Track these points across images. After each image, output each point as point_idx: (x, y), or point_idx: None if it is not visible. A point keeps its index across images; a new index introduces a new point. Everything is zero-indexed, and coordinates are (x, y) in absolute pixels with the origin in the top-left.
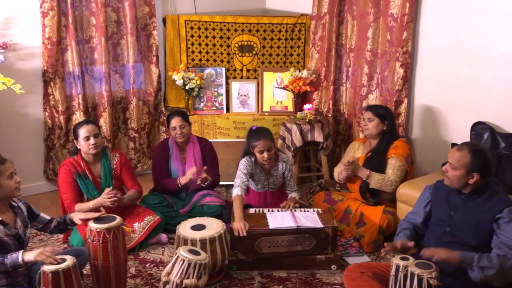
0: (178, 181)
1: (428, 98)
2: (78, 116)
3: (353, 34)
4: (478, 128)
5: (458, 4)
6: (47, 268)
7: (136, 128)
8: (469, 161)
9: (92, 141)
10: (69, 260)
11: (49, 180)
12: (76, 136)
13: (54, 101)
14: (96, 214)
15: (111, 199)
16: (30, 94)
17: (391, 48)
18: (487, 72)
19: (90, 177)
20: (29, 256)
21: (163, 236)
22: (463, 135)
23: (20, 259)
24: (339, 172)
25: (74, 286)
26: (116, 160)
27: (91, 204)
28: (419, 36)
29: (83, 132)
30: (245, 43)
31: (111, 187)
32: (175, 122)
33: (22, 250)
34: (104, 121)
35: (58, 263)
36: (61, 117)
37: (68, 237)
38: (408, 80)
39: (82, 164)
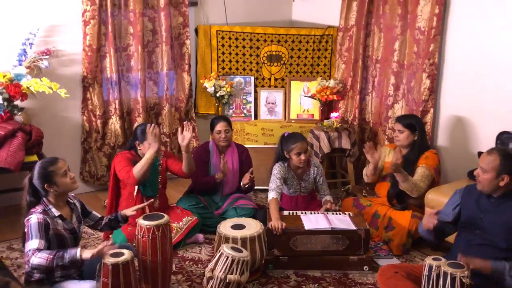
0: (217, 176)
1: (454, 108)
2: (114, 121)
3: (380, 46)
4: (504, 137)
5: (484, 17)
6: (107, 260)
7: (168, 133)
8: (498, 164)
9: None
10: (127, 254)
11: (85, 182)
12: (139, 138)
13: (92, 106)
14: (146, 212)
15: (153, 129)
16: (69, 99)
17: (417, 59)
18: None
19: None
20: (87, 254)
21: (200, 236)
22: (488, 144)
23: (78, 255)
24: (367, 167)
25: (131, 278)
26: (162, 156)
27: (147, 154)
28: (446, 48)
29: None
30: (274, 53)
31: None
32: (221, 126)
33: (80, 248)
34: None
35: (117, 256)
36: (98, 121)
37: (110, 236)
38: (434, 90)
39: (137, 158)
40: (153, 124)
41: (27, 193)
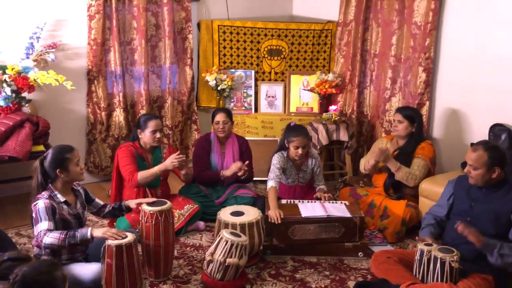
0: (222, 174)
1: (449, 101)
2: (118, 113)
3: (377, 40)
4: (496, 129)
5: (479, 13)
6: (111, 242)
7: (170, 126)
8: (487, 159)
9: (158, 135)
10: (130, 236)
11: (90, 173)
12: (142, 127)
13: (96, 98)
14: (150, 200)
15: (180, 159)
16: (75, 91)
17: (414, 54)
18: (505, 77)
19: (146, 161)
20: (98, 232)
21: (201, 224)
22: (481, 136)
23: (89, 234)
24: (366, 161)
25: (134, 260)
26: (166, 150)
27: (155, 168)
28: (441, 42)
29: (152, 125)
30: (274, 47)
31: (178, 151)
32: (220, 117)
33: (90, 227)
34: None
35: (122, 238)
36: (103, 113)
37: (114, 223)
38: (430, 84)
39: (139, 149)
40: (180, 154)
41: (38, 174)
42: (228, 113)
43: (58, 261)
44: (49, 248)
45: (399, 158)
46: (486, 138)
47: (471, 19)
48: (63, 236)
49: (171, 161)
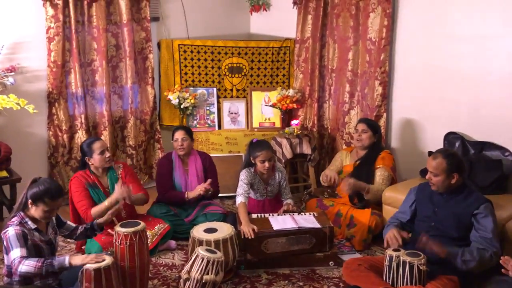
0: (186, 196)
1: (405, 112)
2: (81, 135)
3: (334, 56)
4: (450, 137)
5: (428, 29)
6: (89, 266)
7: (133, 146)
8: (446, 165)
9: (107, 154)
10: (108, 259)
11: None
12: (88, 153)
13: (58, 121)
14: (116, 207)
15: (126, 190)
16: (36, 115)
17: (370, 68)
18: (457, 88)
19: (100, 187)
20: (76, 260)
21: (172, 243)
22: (437, 144)
23: (66, 262)
24: (330, 178)
25: (113, 283)
26: (121, 170)
27: (106, 202)
28: (395, 57)
29: (98, 146)
30: (235, 65)
31: (121, 182)
32: (178, 134)
33: (69, 255)
34: (104, 139)
35: (99, 262)
36: (65, 136)
37: (82, 247)
38: (386, 96)
39: (91, 177)
40: (122, 183)
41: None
42: (187, 130)
43: None
44: (25, 276)
45: (361, 169)
46: (441, 146)
47: (422, 35)
48: (39, 264)
49: (118, 192)
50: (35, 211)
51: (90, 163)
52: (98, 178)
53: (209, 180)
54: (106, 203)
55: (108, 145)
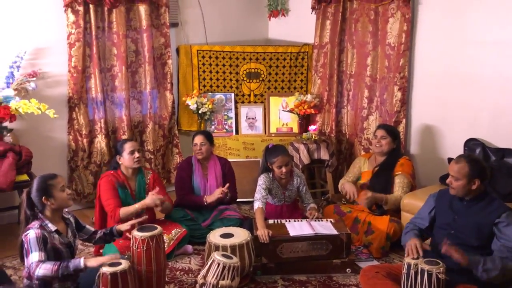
0: (205, 199)
1: (425, 118)
2: (100, 139)
3: (353, 61)
4: (471, 144)
5: (448, 34)
6: (106, 270)
7: (152, 150)
8: (468, 170)
9: (137, 154)
10: (125, 263)
11: (72, 200)
12: (119, 152)
13: (78, 125)
14: (141, 219)
15: (159, 198)
16: (56, 119)
17: (389, 73)
18: (477, 93)
19: (128, 189)
20: (92, 262)
21: (189, 247)
22: (457, 150)
23: (82, 264)
24: (349, 190)
25: (130, 287)
26: (150, 176)
27: (137, 205)
28: (414, 62)
29: (128, 146)
30: (253, 70)
31: (156, 190)
32: (198, 139)
33: (84, 257)
34: None
35: (115, 266)
36: (84, 140)
37: (100, 250)
38: (405, 102)
39: (121, 177)
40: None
41: (25, 206)
42: (207, 135)
43: None
44: (42, 279)
45: (380, 175)
46: (461, 152)
47: (442, 40)
48: (56, 267)
49: (151, 199)
50: (56, 199)
51: (120, 162)
52: (127, 179)
53: (227, 185)
54: (136, 206)
55: None
